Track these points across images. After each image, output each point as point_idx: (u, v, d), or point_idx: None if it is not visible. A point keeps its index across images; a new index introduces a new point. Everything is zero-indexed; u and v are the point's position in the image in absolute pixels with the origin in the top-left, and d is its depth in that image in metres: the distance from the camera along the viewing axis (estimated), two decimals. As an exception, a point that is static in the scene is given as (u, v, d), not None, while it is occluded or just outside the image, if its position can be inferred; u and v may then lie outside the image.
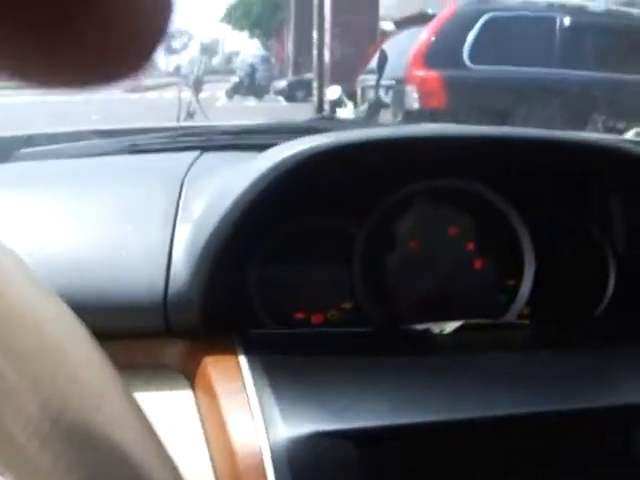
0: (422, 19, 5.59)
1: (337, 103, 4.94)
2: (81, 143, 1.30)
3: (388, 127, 1.31)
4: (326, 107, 6.98)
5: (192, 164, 1.06)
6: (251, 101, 16.20)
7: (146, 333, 0.83)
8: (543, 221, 1.07)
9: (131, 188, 1.00)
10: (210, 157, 1.14)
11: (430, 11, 5.63)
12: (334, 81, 8.74)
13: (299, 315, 0.99)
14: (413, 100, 4.97)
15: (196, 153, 1.15)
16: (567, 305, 1.08)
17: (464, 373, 0.82)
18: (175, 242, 0.87)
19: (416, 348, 0.91)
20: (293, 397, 0.73)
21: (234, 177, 0.86)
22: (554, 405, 0.76)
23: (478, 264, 1.06)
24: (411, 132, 0.95)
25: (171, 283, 0.83)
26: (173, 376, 0.82)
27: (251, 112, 13.01)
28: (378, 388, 0.76)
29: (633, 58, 5.51)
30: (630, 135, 2.35)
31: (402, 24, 6.23)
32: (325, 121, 1.85)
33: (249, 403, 0.73)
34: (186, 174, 1.00)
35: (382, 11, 11.91)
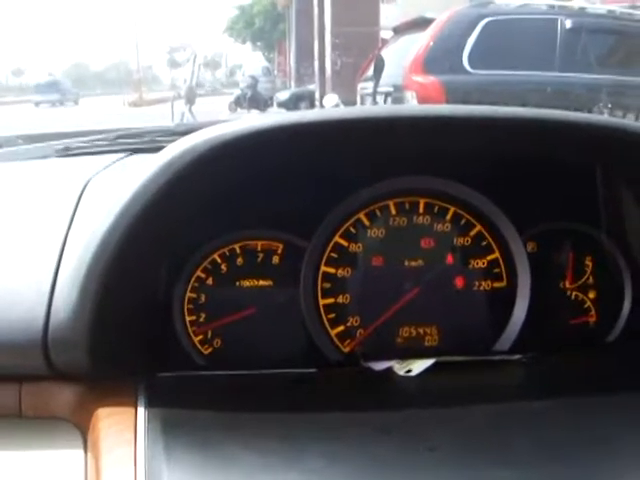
0: (421, 24, 5.42)
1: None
2: (4, 149, 1.14)
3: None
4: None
5: (107, 167, 0.89)
6: (254, 113, 16.08)
7: (29, 376, 0.67)
8: (540, 228, 0.88)
9: (35, 196, 0.83)
10: (135, 159, 0.97)
11: (428, 16, 5.45)
12: (336, 91, 8.63)
13: (234, 350, 0.81)
14: (411, 106, 4.79)
15: (122, 155, 0.98)
16: (572, 330, 0.88)
17: (434, 437, 0.61)
18: (63, 261, 0.69)
19: (371, 401, 0.71)
20: (190, 476, 0.55)
21: (130, 179, 0.68)
22: None
23: (459, 282, 0.87)
24: (361, 112, 0.73)
25: (53, 315, 0.66)
26: (66, 429, 0.66)
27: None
28: (308, 466, 0.57)
29: (636, 59, 5.32)
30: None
31: (400, 30, 6.07)
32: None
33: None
34: (89, 179, 0.83)
35: (383, 21, 11.80)
